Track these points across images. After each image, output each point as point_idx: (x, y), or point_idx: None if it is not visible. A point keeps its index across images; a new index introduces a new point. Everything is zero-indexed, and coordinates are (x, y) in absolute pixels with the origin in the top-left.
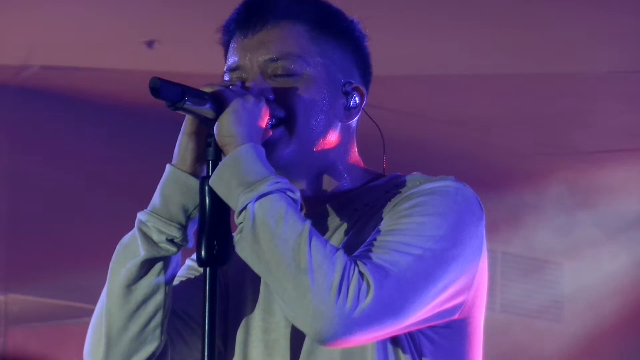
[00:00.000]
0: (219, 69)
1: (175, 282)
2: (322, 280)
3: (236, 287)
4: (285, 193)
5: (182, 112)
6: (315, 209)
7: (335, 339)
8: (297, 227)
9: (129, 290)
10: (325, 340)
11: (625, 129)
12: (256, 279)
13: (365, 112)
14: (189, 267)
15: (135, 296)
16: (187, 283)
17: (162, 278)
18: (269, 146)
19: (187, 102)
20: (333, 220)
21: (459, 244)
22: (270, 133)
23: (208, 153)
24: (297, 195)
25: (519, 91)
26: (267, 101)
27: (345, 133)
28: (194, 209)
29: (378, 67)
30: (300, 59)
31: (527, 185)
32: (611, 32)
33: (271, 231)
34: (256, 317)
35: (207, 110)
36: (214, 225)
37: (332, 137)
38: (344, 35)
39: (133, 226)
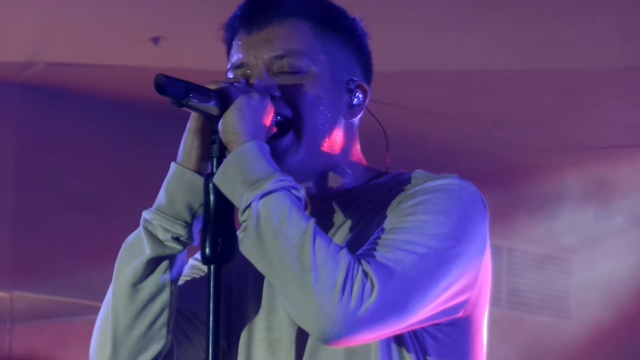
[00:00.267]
0: (225, 65)
1: (180, 281)
2: (326, 280)
3: (239, 285)
4: (289, 191)
5: (186, 109)
6: (320, 207)
7: (339, 339)
8: (301, 225)
9: (135, 289)
10: (329, 339)
11: (635, 124)
12: (259, 277)
13: (368, 110)
14: (192, 267)
15: (141, 295)
16: (192, 282)
17: (168, 276)
18: (279, 156)
19: (192, 99)
20: (337, 217)
21: (463, 242)
22: (275, 130)
23: (212, 150)
24: (302, 193)
25: (527, 87)
26: (273, 98)
27: (349, 131)
28: (199, 206)
29: (383, 63)
30: (306, 57)
31: (534, 180)
32: (621, 27)
33: (275, 230)
34: (259, 316)
35: (211, 107)
36: (218, 222)
37: (337, 135)
38: (346, 33)
39: (139, 223)
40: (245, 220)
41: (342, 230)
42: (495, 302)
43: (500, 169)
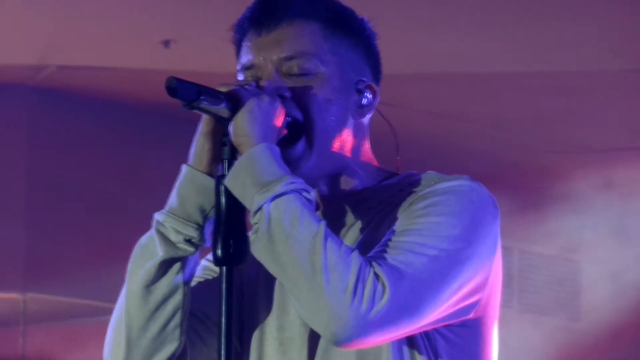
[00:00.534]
0: (235, 68)
1: (192, 282)
2: (337, 282)
3: (251, 285)
4: (300, 193)
5: (197, 112)
6: (331, 208)
7: (351, 341)
8: (312, 228)
9: (148, 290)
10: (340, 341)
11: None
12: (271, 277)
13: (378, 111)
14: (204, 268)
15: (154, 297)
16: (204, 283)
17: (180, 278)
18: (293, 163)
19: (203, 102)
20: (348, 218)
21: (474, 244)
22: (285, 132)
23: (223, 152)
24: (312, 196)
25: (532, 88)
26: (283, 99)
27: (359, 131)
28: (211, 208)
29: (390, 65)
30: (315, 58)
31: (543, 182)
32: (627, 29)
33: (286, 232)
34: (271, 315)
35: (222, 109)
36: (229, 224)
37: (347, 136)
38: (355, 34)
39: (151, 225)
40: (256, 223)
41: (353, 231)
42: (506, 303)
43: (510, 171)
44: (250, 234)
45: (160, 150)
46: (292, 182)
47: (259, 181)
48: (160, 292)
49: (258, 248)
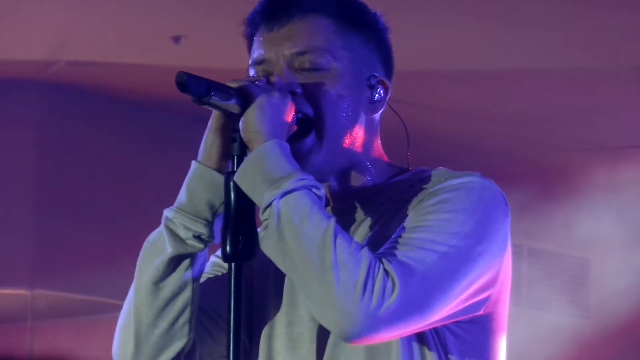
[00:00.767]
0: (246, 64)
1: (201, 279)
2: (347, 279)
3: (260, 281)
4: (310, 190)
5: (207, 107)
6: (341, 204)
7: (360, 337)
8: (322, 224)
9: (157, 287)
10: (350, 338)
11: None
12: (280, 273)
13: (390, 106)
14: (213, 264)
15: (163, 293)
16: (213, 279)
17: (189, 275)
18: (302, 157)
19: (213, 97)
20: (358, 214)
21: (484, 241)
22: (295, 128)
23: (233, 148)
24: (322, 192)
25: (549, 86)
26: (294, 95)
27: (370, 127)
28: (220, 205)
29: (405, 62)
30: (328, 53)
31: (554, 180)
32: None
33: (296, 229)
34: (280, 311)
35: (232, 105)
36: (239, 220)
37: (358, 132)
38: (367, 29)
39: (160, 222)
40: (266, 219)
41: (363, 227)
42: (515, 300)
43: (521, 168)
44: (259, 230)
45: (170, 147)
46: (302, 179)
47: (269, 178)
48: (169, 289)
49: (267, 245)
